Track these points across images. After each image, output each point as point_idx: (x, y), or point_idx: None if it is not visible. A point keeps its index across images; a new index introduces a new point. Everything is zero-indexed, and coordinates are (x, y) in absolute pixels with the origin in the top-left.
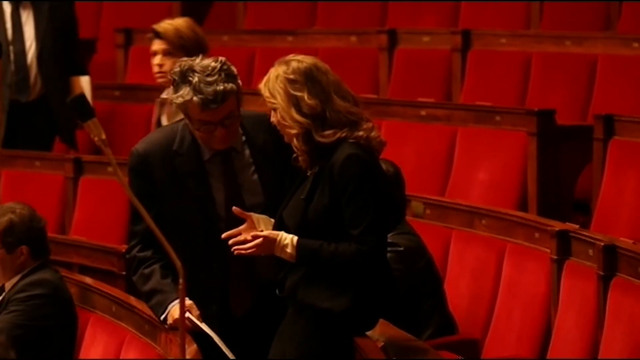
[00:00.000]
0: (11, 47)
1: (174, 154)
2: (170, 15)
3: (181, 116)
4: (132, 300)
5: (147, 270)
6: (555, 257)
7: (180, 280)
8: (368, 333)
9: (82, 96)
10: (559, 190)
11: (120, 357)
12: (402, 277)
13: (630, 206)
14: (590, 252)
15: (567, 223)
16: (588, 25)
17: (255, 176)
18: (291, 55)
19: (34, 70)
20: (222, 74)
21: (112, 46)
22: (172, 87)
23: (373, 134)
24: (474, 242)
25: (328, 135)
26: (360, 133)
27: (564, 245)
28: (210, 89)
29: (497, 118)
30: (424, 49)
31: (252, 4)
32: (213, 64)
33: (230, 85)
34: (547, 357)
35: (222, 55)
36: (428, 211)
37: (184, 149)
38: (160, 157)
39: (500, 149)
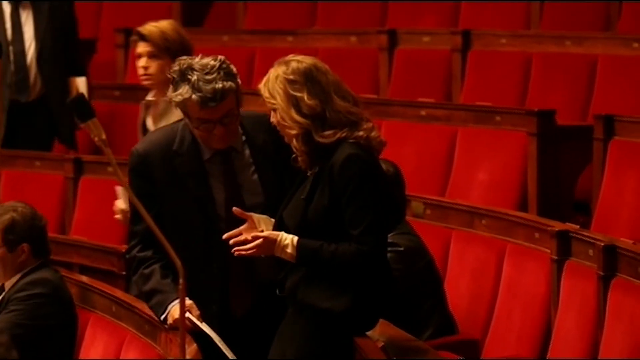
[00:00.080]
0: (11, 47)
1: (174, 154)
2: (170, 15)
3: (168, 118)
4: (132, 300)
5: (147, 270)
6: (555, 257)
7: (180, 280)
8: (368, 333)
9: (82, 96)
10: (559, 190)
11: (121, 357)
12: (402, 277)
13: (631, 206)
14: (591, 252)
15: (567, 223)
16: (588, 25)
17: (255, 176)
18: (291, 55)
19: (33, 71)
20: (221, 72)
21: (112, 46)
22: (171, 85)
23: (373, 134)
24: (474, 242)
25: (328, 136)
26: (360, 133)
27: (564, 245)
28: (209, 86)
29: (497, 118)
30: (424, 49)
31: (252, 4)
32: (212, 62)
33: (229, 84)
34: (547, 357)
35: (222, 55)
36: (428, 211)
37: (184, 149)
38: (160, 157)
39: (500, 149)
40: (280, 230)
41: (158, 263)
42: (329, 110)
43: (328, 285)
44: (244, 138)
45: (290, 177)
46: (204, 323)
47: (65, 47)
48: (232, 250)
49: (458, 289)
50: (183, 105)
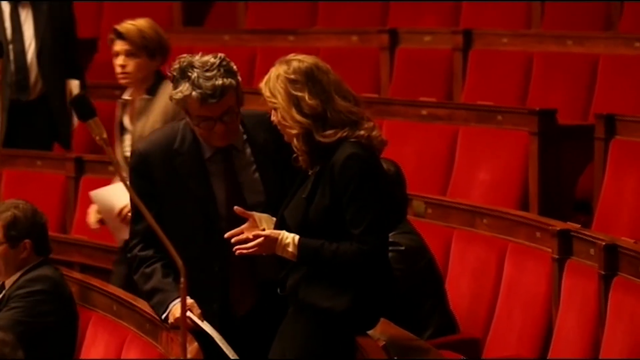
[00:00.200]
0: (11, 47)
1: (175, 153)
2: (171, 14)
3: (147, 117)
4: (133, 299)
5: (148, 269)
6: (557, 256)
7: (182, 279)
8: (369, 332)
9: (84, 95)
10: (560, 189)
11: (122, 356)
12: (403, 277)
13: (632, 206)
14: (592, 251)
15: (568, 222)
16: (589, 25)
17: (256, 175)
18: (292, 54)
19: (34, 70)
20: (221, 70)
21: None
22: (171, 83)
23: (374, 133)
24: (475, 241)
25: (329, 135)
26: (362, 132)
27: (565, 244)
28: (209, 83)
29: (499, 117)
30: (425, 48)
31: (253, 3)
32: (212, 59)
33: (229, 81)
34: (548, 357)
35: (222, 53)
36: (429, 210)
37: (184, 148)
38: (160, 157)
39: (502, 148)
40: (281, 229)
41: (159, 262)
42: (329, 110)
43: (329, 284)
44: (245, 137)
45: (291, 176)
46: (205, 322)
47: (65, 47)
48: (234, 249)
49: (459, 288)
50: (183, 102)
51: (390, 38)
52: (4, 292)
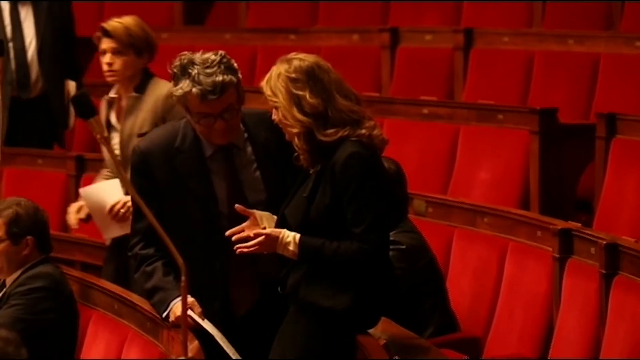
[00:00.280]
0: (11, 45)
1: (176, 152)
2: (172, 14)
3: (135, 115)
4: (134, 297)
5: (149, 268)
6: (557, 255)
7: (183, 278)
8: (370, 331)
9: (84, 94)
10: (561, 188)
11: (122, 355)
12: (404, 276)
13: (633, 205)
14: (593, 250)
15: (569, 221)
16: (590, 24)
17: (257, 173)
18: (293, 53)
19: (34, 68)
20: (222, 66)
21: None
22: (172, 80)
23: (375, 132)
24: (476, 240)
25: (330, 134)
26: (363, 131)
27: (566, 243)
28: (209, 80)
29: (500, 116)
30: (426, 47)
31: (254, 2)
32: (213, 56)
33: (229, 77)
34: (549, 356)
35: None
36: (430, 209)
37: (185, 146)
38: (161, 155)
39: (503, 147)
40: (282, 228)
41: (160, 261)
42: (331, 109)
43: (330, 283)
44: (245, 135)
45: (292, 175)
46: (206, 320)
47: (65, 46)
48: (235, 248)
49: (460, 287)
50: (184, 99)
51: (391, 37)
52: (4, 289)
